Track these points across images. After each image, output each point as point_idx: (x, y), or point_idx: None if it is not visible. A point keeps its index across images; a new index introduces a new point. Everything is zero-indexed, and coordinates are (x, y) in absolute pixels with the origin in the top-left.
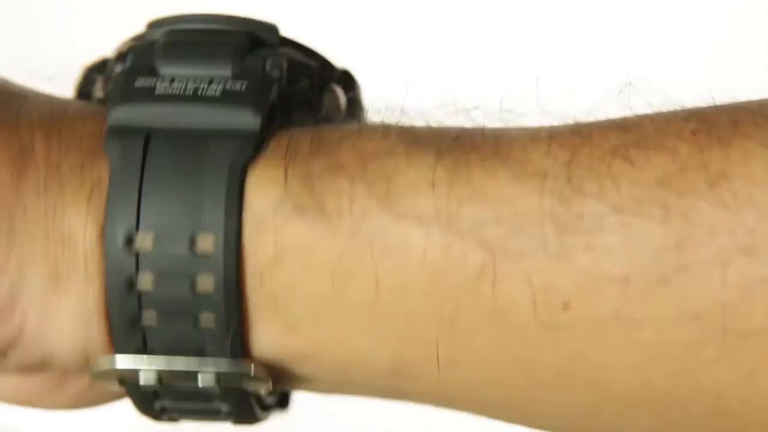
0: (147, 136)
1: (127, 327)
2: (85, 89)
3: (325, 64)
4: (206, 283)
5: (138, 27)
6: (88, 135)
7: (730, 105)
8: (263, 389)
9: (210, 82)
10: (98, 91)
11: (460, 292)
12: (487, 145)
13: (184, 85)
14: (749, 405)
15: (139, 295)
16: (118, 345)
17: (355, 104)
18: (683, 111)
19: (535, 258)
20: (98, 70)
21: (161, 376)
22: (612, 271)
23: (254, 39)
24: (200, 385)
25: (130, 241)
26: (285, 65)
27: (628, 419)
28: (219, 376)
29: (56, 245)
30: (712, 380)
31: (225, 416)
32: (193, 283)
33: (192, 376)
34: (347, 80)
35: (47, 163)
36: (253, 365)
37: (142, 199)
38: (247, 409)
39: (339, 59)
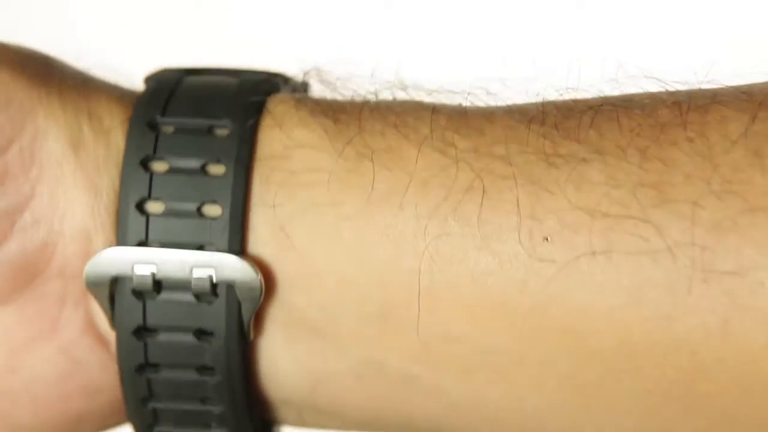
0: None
1: (134, 210)
2: None
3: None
4: (218, 168)
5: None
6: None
7: (710, 87)
8: (255, 303)
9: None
10: None
11: (446, 211)
12: (481, 106)
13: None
14: (724, 363)
15: (152, 176)
16: (121, 230)
17: None
18: (667, 91)
19: (521, 186)
20: None
21: (156, 271)
22: (591, 205)
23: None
24: (194, 276)
25: (153, 125)
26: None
27: (608, 384)
28: (214, 271)
29: (83, 116)
30: (687, 331)
31: (218, 420)
32: (205, 167)
33: (187, 276)
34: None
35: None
36: (250, 261)
37: (171, 96)
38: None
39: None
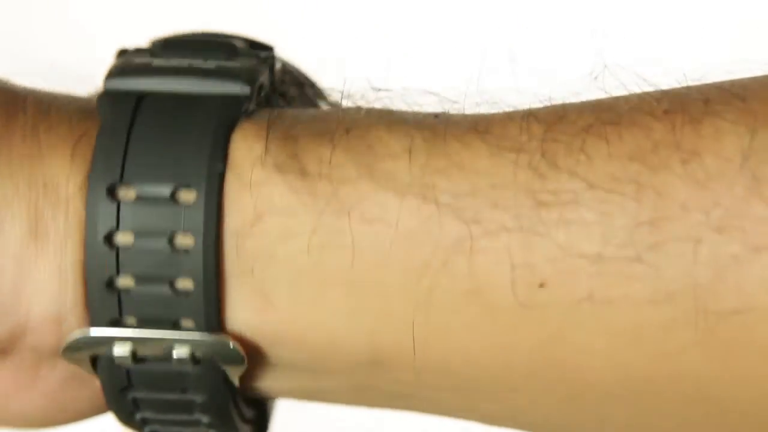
0: (139, 98)
1: (103, 290)
2: None
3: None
4: (186, 239)
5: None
6: (80, 102)
7: (702, 85)
8: (239, 370)
9: (206, 60)
10: None
11: (435, 266)
12: (466, 121)
13: (180, 61)
14: (727, 390)
15: (118, 252)
16: (93, 311)
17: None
18: (656, 92)
19: (510, 232)
20: None
21: (135, 349)
22: (586, 248)
23: (251, 43)
24: (174, 357)
25: (112, 191)
26: (279, 65)
27: (607, 408)
28: (194, 349)
29: (38, 189)
30: (689, 363)
31: (206, 428)
32: (172, 240)
33: (167, 352)
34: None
35: (37, 110)
36: (230, 339)
37: (128, 151)
38: (226, 417)
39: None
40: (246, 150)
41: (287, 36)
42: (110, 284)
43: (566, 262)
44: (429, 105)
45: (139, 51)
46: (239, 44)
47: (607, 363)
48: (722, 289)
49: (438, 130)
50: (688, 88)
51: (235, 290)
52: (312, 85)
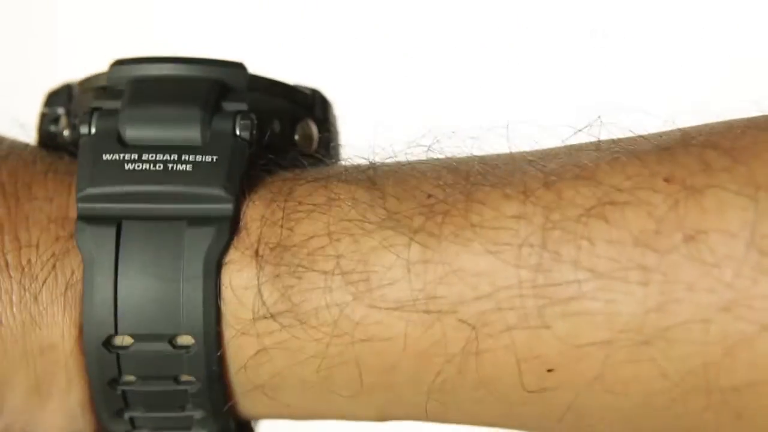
0: (119, 226)
1: (113, 418)
2: (48, 127)
3: (295, 97)
4: (191, 379)
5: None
6: (56, 216)
7: (696, 140)
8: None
9: (180, 157)
10: (63, 129)
11: (445, 366)
12: (458, 208)
13: (153, 159)
14: None
15: (124, 392)
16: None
17: (327, 127)
18: (653, 151)
19: (516, 330)
20: (61, 99)
21: None
22: (594, 337)
23: (222, 86)
24: None
25: (109, 341)
26: (255, 121)
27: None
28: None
29: (35, 358)
30: (700, 421)
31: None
32: (176, 379)
33: None
34: (318, 103)
35: (18, 266)
36: None
37: (119, 301)
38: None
39: (310, 78)
40: (238, 300)
41: (287, 36)
42: (120, 413)
43: (573, 351)
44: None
45: (104, 118)
46: (210, 96)
47: (619, 425)
48: (733, 366)
49: (433, 229)
50: (684, 144)
51: (245, 398)
52: (293, 97)
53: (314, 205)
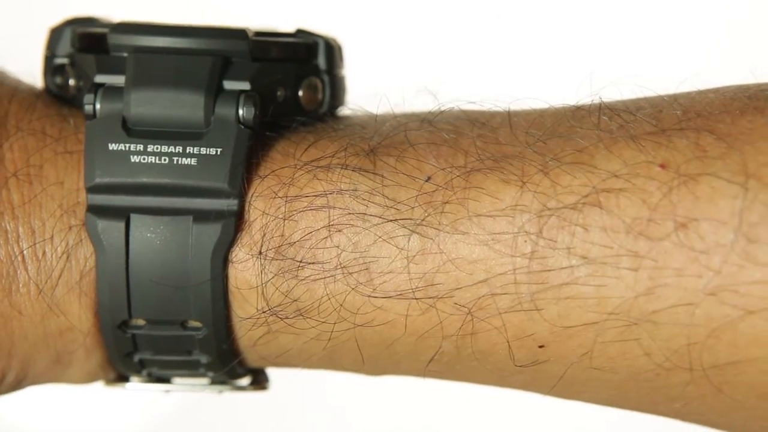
0: (127, 219)
1: (127, 366)
2: (54, 79)
3: (299, 54)
4: (199, 354)
5: None
6: (68, 205)
7: (694, 122)
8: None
9: (184, 149)
10: (69, 79)
11: (442, 343)
12: (457, 196)
13: (158, 152)
14: (721, 417)
15: (141, 360)
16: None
17: (332, 78)
18: (650, 134)
19: (509, 314)
20: (64, 44)
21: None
22: (583, 319)
23: (224, 61)
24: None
25: (124, 323)
26: (257, 101)
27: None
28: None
29: (54, 338)
30: (682, 393)
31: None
32: (190, 352)
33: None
34: (323, 52)
35: (34, 259)
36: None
37: (131, 290)
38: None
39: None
40: (246, 288)
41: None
42: (136, 369)
43: (564, 331)
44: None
45: (109, 97)
46: (214, 72)
47: (606, 393)
48: (716, 346)
49: (431, 220)
50: (682, 128)
51: (250, 362)
52: (297, 53)
53: (315, 196)
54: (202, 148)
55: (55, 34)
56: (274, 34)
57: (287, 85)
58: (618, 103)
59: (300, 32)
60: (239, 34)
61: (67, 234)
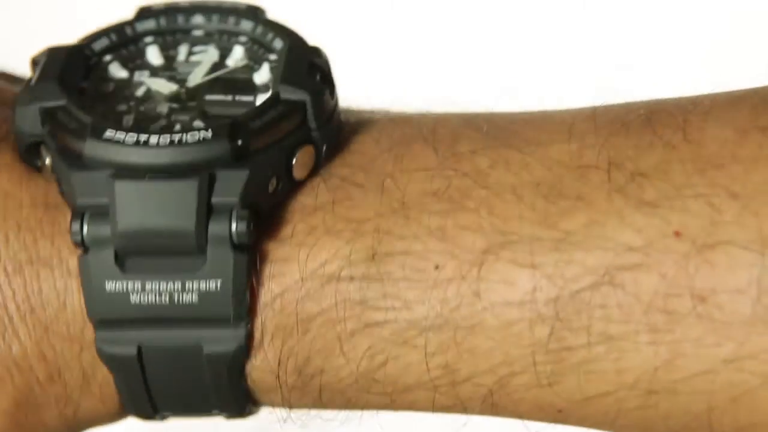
0: (139, 350)
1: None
2: (34, 161)
3: (284, 122)
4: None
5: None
6: (75, 332)
7: (706, 176)
8: None
9: (183, 285)
10: (45, 159)
11: (467, 410)
12: (471, 289)
13: (157, 289)
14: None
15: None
16: None
17: (329, 133)
18: (661, 193)
19: (529, 388)
20: (35, 118)
21: None
22: (601, 390)
23: (210, 178)
24: None
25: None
26: (249, 220)
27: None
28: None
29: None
30: None
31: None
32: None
33: None
34: (315, 105)
35: (50, 381)
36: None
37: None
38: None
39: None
40: (266, 393)
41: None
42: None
43: (582, 401)
44: None
45: (93, 222)
46: (203, 185)
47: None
48: (737, 411)
49: (447, 318)
50: (693, 186)
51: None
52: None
53: (323, 309)
54: (201, 282)
55: (21, 113)
56: (254, 115)
57: (279, 170)
58: (622, 145)
59: (278, 95)
60: (223, 143)
61: (78, 360)
